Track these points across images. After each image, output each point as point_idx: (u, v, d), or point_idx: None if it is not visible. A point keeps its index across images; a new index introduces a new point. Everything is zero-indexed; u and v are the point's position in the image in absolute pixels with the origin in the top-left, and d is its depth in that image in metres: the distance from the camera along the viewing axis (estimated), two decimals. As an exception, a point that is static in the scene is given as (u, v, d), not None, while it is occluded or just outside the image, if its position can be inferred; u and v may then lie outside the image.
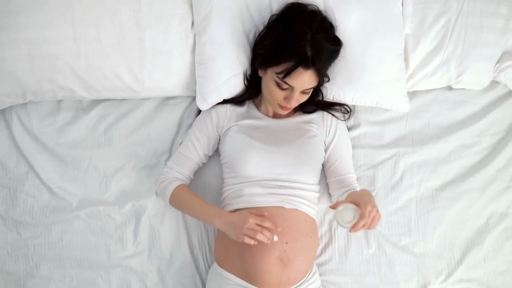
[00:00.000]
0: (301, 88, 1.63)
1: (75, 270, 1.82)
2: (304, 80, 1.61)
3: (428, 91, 1.96)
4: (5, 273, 1.81)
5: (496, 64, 1.88)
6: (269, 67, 1.66)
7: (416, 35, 1.85)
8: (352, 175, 1.79)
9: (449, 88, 1.96)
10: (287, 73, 1.60)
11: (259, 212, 1.59)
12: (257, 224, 1.54)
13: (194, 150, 1.78)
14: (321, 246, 1.83)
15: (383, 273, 1.82)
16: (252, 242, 1.51)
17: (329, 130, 1.80)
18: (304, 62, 1.58)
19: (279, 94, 1.67)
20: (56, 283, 1.81)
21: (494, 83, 1.97)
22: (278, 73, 1.62)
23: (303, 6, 1.71)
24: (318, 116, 1.82)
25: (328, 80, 1.79)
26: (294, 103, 1.67)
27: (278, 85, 1.65)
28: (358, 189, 1.76)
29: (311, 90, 1.67)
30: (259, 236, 1.51)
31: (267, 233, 1.52)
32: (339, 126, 1.82)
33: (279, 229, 1.54)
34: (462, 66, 1.87)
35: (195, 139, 1.78)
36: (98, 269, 1.81)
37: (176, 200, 1.73)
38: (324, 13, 1.73)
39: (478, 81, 1.92)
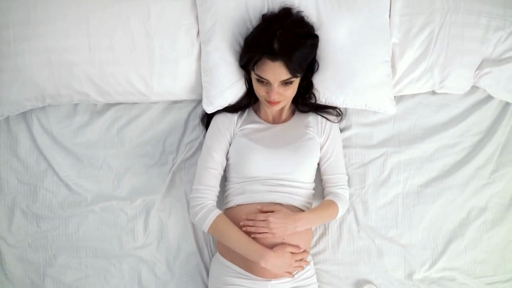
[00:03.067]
0: (276, 80, 1.66)
1: (90, 259, 1.87)
2: (275, 72, 1.64)
3: (413, 95, 2.00)
4: (26, 262, 1.86)
5: (476, 70, 1.92)
6: (248, 65, 1.71)
7: (402, 44, 1.88)
8: (340, 175, 1.83)
9: (433, 92, 2.00)
10: (254, 63, 1.66)
11: (295, 249, 1.69)
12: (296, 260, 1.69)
13: (219, 161, 1.78)
14: (315, 238, 1.89)
15: (372, 262, 1.88)
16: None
17: (323, 132, 1.84)
18: (268, 53, 1.62)
19: (261, 90, 1.72)
20: (72, 271, 1.87)
21: (474, 88, 2.00)
22: (253, 68, 1.69)
23: (284, 9, 1.75)
24: (313, 120, 1.86)
25: (312, 71, 1.81)
26: (276, 96, 1.69)
27: (258, 81, 1.70)
28: (341, 191, 1.81)
29: (292, 82, 1.69)
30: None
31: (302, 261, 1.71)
32: (332, 129, 1.86)
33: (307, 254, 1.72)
34: (445, 72, 1.91)
35: (214, 151, 1.77)
36: (111, 259, 1.87)
37: (217, 230, 1.71)
38: (299, 12, 1.75)
39: (459, 86, 1.95)
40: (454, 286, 1.87)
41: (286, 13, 1.73)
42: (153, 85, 1.89)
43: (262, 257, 1.64)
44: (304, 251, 1.73)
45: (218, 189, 1.78)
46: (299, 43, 1.66)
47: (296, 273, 1.73)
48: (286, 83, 1.69)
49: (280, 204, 1.73)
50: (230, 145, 1.82)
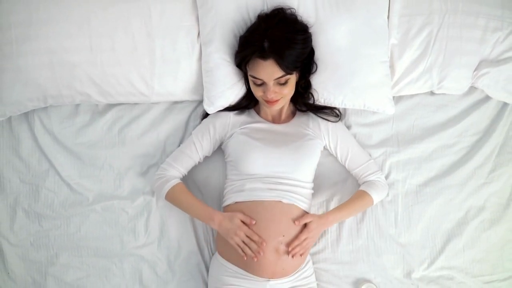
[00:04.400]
0: (270, 79, 1.67)
1: (92, 258, 1.88)
2: (268, 71, 1.65)
3: (412, 95, 2.00)
4: (28, 261, 1.87)
5: (474, 71, 1.93)
6: (242, 65, 1.74)
7: (401, 45, 1.89)
8: (365, 165, 1.86)
9: (432, 93, 2.01)
10: (246, 63, 1.68)
11: (248, 219, 1.69)
12: (247, 236, 1.67)
13: (195, 151, 1.83)
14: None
15: (371, 261, 1.88)
16: (243, 256, 1.68)
17: (330, 135, 1.86)
18: (258, 51, 1.64)
19: (258, 90, 1.73)
20: (74, 270, 1.87)
21: (473, 88, 2.00)
22: (247, 69, 1.70)
23: (276, 9, 1.76)
24: (315, 123, 1.87)
25: (309, 71, 1.81)
26: (273, 95, 1.70)
27: (254, 82, 1.72)
28: (372, 177, 1.85)
29: (288, 80, 1.69)
30: (247, 251, 1.67)
31: (253, 246, 1.66)
32: (339, 128, 1.88)
33: (264, 244, 1.66)
34: (444, 73, 1.91)
35: (198, 141, 1.82)
36: (113, 258, 1.88)
37: (172, 198, 1.79)
38: (292, 12, 1.76)
39: (458, 87, 1.96)
40: (452, 285, 1.88)
41: (279, 12, 1.74)
42: (153, 86, 1.90)
43: (211, 219, 1.72)
44: (262, 242, 1.67)
45: (185, 173, 1.85)
46: (289, 40, 1.67)
47: (296, 272, 1.74)
48: (281, 82, 1.70)
49: (280, 201, 1.73)
50: (221, 143, 1.85)
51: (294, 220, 1.71)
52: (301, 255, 1.71)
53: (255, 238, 1.67)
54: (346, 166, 1.90)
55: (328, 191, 1.95)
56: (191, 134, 1.88)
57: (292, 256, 1.69)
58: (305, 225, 1.74)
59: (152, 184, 1.84)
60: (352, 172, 1.90)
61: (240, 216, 1.70)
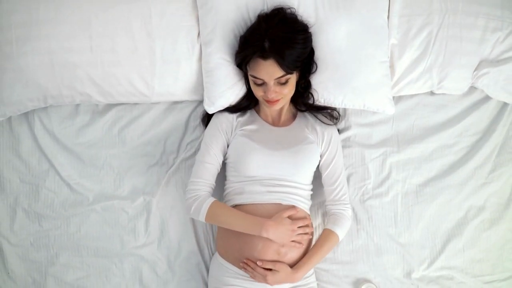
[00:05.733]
0: (271, 79, 1.67)
1: (92, 258, 1.88)
2: (269, 70, 1.65)
3: (412, 95, 2.01)
4: (28, 261, 1.88)
5: (474, 71, 1.93)
6: (242, 65, 1.74)
7: (401, 45, 1.90)
8: (335, 186, 1.81)
9: (432, 93, 2.01)
10: (247, 63, 1.68)
11: (292, 211, 1.70)
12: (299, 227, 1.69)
13: (215, 157, 1.78)
14: (315, 237, 1.88)
15: (371, 261, 1.89)
16: (299, 245, 1.71)
17: (323, 141, 1.84)
18: (259, 51, 1.63)
19: (259, 90, 1.73)
20: (74, 270, 1.88)
21: (472, 88, 2.00)
22: (247, 69, 1.70)
23: (276, 9, 1.75)
24: (314, 127, 1.86)
25: (309, 71, 1.81)
26: (274, 95, 1.70)
27: (254, 82, 1.72)
28: (340, 209, 1.80)
29: (288, 80, 1.69)
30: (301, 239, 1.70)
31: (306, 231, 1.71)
32: (333, 137, 1.85)
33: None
34: (443, 73, 1.92)
35: (211, 147, 1.78)
36: (113, 258, 1.88)
37: (213, 217, 1.71)
38: (292, 11, 1.76)
39: (458, 87, 1.96)
40: (452, 285, 1.88)
41: (279, 12, 1.75)
42: (154, 86, 1.90)
43: (262, 228, 1.64)
44: (305, 217, 1.73)
45: (214, 183, 1.79)
46: (290, 40, 1.66)
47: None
48: (282, 81, 1.70)
49: (280, 204, 1.73)
50: (228, 145, 1.83)
51: (258, 262, 1.68)
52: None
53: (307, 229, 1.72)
54: (323, 178, 1.85)
55: (327, 192, 1.94)
56: (201, 146, 1.83)
57: (244, 268, 1.71)
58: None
59: (187, 209, 1.74)
60: (325, 187, 1.85)
61: (286, 214, 1.70)
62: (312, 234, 1.78)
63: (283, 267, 1.69)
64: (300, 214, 1.76)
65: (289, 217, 1.71)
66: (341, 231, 1.80)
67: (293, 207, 1.73)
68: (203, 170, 1.77)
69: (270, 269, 1.68)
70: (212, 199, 1.73)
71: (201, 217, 1.72)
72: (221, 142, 1.81)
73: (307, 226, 1.74)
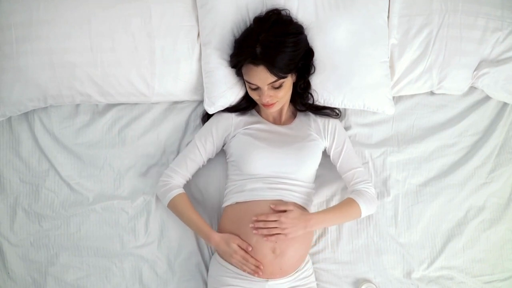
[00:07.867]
0: (264, 84, 1.67)
1: (92, 258, 1.88)
2: (260, 76, 1.66)
3: (412, 96, 2.01)
4: (28, 261, 1.87)
5: (474, 71, 1.93)
6: (237, 70, 1.75)
7: (401, 45, 1.90)
8: (356, 170, 1.81)
9: (432, 93, 2.01)
10: (240, 68, 1.69)
11: (244, 244, 1.68)
12: (243, 257, 1.68)
13: (199, 154, 1.82)
14: (315, 237, 1.90)
15: (371, 261, 1.89)
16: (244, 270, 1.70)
17: (328, 134, 1.84)
18: (250, 57, 1.64)
19: (254, 94, 1.74)
20: (74, 270, 1.87)
21: (472, 88, 2.01)
22: (241, 73, 1.71)
23: (271, 11, 1.75)
24: (316, 123, 1.87)
25: (308, 72, 1.81)
26: (268, 99, 1.71)
27: (249, 86, 1.73)
28: (361, 186, 1.79)
29: (282, 84, 1.69)
30: (246, 269, 1.68)
31: (251, 266, 1.67)
32: (337, 128, 1.86)
33: (262, 267, 1.67)
34: (443, 73, 1.92)
35: (201, 144, 1.82)
36: (113, 258, 1.88)
37: (174, 208, 1.80)
38: (287, 13, 1.76)
39: (457, 87, 1.97)
40: (452, 285, 1.88)
41: (273, 14, 1.74)
42: (154, 86, 1.90)
43: (208, 238, 1.74)
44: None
45: (190, 177, 1.86)
46: (280, 44, 1.66)
47: (296, 272, 1.74)
48: (276, 86, 1.70)
49: (281, 200, 1.73)
50: (224, 144, 1.85)
51: (271, 205, 1.70)
52: (266, 238, 1.67)
53: (252, 261, 1.68)
54: (337, 168, 1.85)
55: (328, 191, 1.95)
56: (193, 137, 1.87)
57: (255, 229, 1.68)
58: None
59: (156, 190, 1.85)
60: (342, 176, 1.85)
61: (237, 241, 1.70)
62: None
63: (296, 209, 1.70)
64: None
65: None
66: (365, 206, 1.77)
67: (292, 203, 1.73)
68: (183, 163, 1.83)
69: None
70: (180, 191, 1.80)
71: (165, 202, 1.80)
72: (210, 142, 1.83)
73: (255, 264, 1.69)
